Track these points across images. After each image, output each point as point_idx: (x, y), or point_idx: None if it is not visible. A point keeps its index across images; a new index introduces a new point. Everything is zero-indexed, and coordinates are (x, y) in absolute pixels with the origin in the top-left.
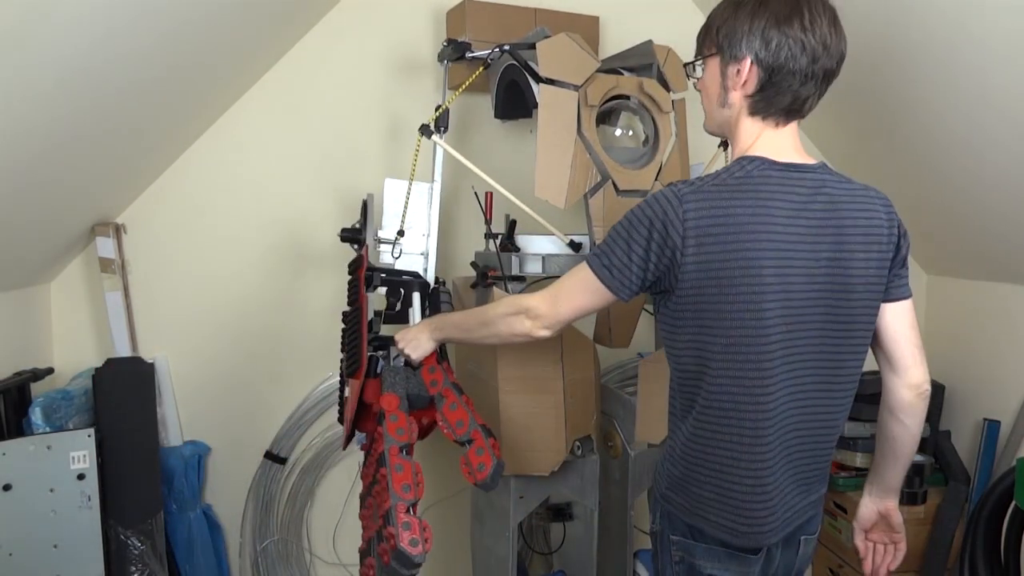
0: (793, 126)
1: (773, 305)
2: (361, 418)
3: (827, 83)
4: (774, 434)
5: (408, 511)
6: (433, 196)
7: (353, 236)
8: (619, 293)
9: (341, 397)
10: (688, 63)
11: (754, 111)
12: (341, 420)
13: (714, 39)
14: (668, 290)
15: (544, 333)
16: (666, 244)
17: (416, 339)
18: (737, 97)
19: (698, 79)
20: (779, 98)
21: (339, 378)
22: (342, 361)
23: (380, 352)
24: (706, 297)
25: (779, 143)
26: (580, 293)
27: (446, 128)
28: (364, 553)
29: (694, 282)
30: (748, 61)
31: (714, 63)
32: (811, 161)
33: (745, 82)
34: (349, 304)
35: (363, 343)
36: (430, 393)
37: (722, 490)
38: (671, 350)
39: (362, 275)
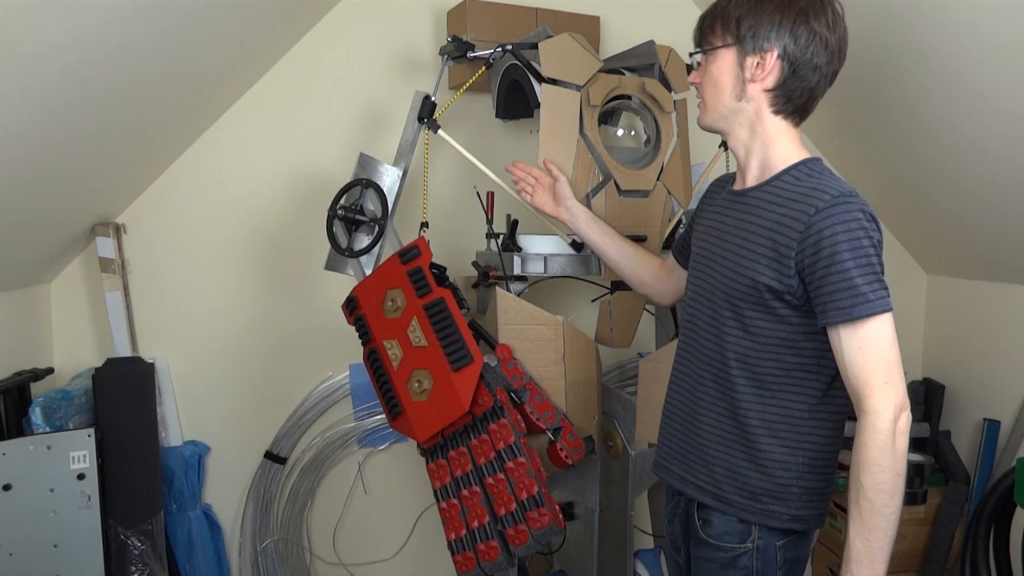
0: None
1: None
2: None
3: (830, 85)
4: None
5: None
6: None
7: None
8: None
9: (388, 397)
10: (695, 52)
11: (776, 108)
12: (393, 419)
13: (732, 30)
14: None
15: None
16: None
17: None
18: (756, 91)
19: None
20: (796, 95)
21: (380, 379)
22: (373, 356)
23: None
24: None
25: (801, 143)
26: (895, 345)
27: (435, 122)
28: (462, 543)
29: None
30: (775, 54)
31: (729, 54)
32: None
33: (767, 75)
34: (419, 295)
35: (466, 333)
36: (514, 387)
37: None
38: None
39: (427, 266)
